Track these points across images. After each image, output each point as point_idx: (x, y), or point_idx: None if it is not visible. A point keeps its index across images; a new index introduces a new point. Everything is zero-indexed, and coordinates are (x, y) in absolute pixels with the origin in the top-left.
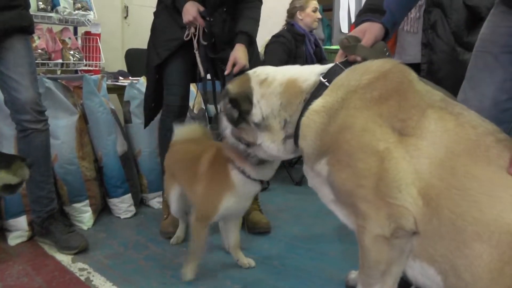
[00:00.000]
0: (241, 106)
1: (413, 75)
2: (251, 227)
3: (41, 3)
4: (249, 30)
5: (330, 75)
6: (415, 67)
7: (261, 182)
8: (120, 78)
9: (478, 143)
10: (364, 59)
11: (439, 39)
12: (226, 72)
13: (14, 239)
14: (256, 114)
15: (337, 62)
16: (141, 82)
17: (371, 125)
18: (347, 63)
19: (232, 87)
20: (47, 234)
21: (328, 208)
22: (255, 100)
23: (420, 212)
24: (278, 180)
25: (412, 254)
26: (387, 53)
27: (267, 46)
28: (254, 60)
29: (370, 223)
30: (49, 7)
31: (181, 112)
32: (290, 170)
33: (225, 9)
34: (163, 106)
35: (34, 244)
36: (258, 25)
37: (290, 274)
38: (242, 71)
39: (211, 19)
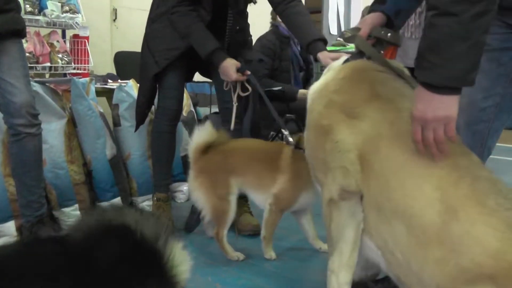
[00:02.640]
0: None
1: (377, 77)
2: (241, 229)
3: (28, 6)
4: (321, 36)
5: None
6: None
7: None
8: (109, 81)
9: (405, 133)
10: (358, 49)
11: None
12: None
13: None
14: None
15: (347, 56)
16: (130, 85)
17: (322, 109)
18: (358, 54)
19: None
20: None
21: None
22: None
23: (359, 177)
24: None
25: None
26: (388, 34)
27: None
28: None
29: (324, 189)
30: (36, 10)
31: (177, 116)
32: None
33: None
34: (158, 109)
35: None
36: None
37: (280, 276)
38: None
39: (249, 72)
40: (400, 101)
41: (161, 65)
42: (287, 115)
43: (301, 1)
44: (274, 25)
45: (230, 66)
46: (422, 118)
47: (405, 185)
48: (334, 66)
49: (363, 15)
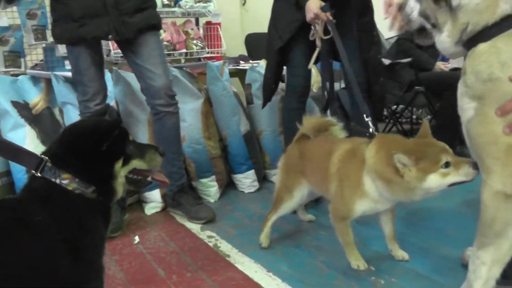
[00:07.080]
0: None
1: None
2: None
3: (165, 0)
4: None
5: None
6: None
7: None
8: (241, 62)
9: None
10: None
11: None
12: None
13: (150, 209)
14: None
15: None
16: (261, 65)
17: None
18: None
19: None
20: (178, 205)
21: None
22: None
23: None
24: None
25: None
26: None
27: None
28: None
29: (493, 177)
30: (172, 2)
31: (304, 92)
32: None
33: None
34: (287, 87)
35: (167, 214)
36: None
37: (408, 251)
38: None
39: (333, 11)
40: None
41: (284, 38)
42: (416, 87)
43: None
44: None
45: (314, 2)
46: None
47: None
48: None
49: None
